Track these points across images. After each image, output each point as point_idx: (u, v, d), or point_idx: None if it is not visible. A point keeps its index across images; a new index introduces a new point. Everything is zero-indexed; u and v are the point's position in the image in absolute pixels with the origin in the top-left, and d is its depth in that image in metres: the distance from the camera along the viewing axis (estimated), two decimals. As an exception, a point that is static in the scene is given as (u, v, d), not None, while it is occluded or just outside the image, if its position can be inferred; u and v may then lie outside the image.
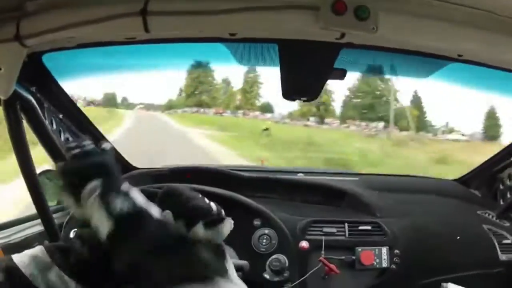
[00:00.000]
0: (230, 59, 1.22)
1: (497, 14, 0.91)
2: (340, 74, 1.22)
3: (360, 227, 1.64)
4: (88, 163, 0.87)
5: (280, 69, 1.20)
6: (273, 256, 1.55)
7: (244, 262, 1.47)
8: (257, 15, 0.87)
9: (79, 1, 0.92)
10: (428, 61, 1.20)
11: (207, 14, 0.88)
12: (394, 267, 1.58)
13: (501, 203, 1.87)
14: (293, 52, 1.11)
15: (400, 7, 0.89)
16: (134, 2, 0.88)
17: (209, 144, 11.71)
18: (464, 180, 2.03)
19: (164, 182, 1.69)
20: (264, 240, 1.59)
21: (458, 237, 1.68)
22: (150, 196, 0.88)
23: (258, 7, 0.86)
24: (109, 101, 18.54)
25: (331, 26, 0.85)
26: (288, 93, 1.32)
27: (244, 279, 1.42)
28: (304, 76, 1.24)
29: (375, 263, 1.58)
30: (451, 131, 15.28)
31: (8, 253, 1.27)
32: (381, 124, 15.08)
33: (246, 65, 1.31)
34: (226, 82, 20.42)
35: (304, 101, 1.38)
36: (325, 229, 1.62)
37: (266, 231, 1.60)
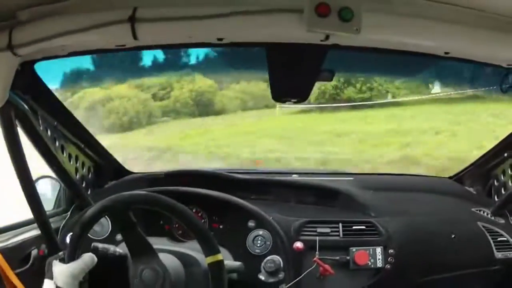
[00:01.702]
0: (219, 63, 1.24)
1: (481, 10, 0.93)
2: (328, 75, 1.24)
3: (354, 227, 1.64)
4: None
5: (269, 72, 1.22)
6: (268, 257, 1.56)
7: (239, 264, 1.48)
8: (243, 19, 0.89)
9: (70, 10, 0.95)
10: (415, 59, 1.22)
11: (194, 20, 0.90)
12: (388, 266, 1.58)
13: (496, 200, 1.87)
14: (281, 55, 1.13)
15: (384, 7, 0.91)
16: (123, 9, 0.91)
17: None
18: (459, 178, 2.04)
19: (159, 186, 1.71)
20: (259, 242, 1.59)
21: (453, 236, 1.68)
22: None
23: (244, 12, 0.88)
24: None
25: (314, 28, 0.87)
26: (278, 95, 1.34)
27: (239, 280, 1.45)
28: (293, 78, 1.25)
29: (369, 263, 1.58)
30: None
31: (5, 257, 1.30)
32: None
33: (235, 69, 1.33)
34: None
35: (295, 102, 1.40)
36: (320, 230, 1.63)
37: (261, 232, 1.60)
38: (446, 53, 1.10)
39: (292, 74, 1.23)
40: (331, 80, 1.26)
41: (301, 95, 1.35)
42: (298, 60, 1.15)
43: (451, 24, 0.93)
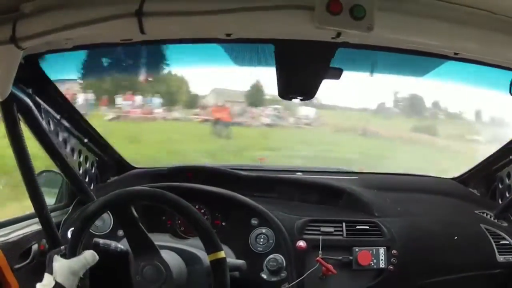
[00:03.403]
0: (226, 59, 1.23)
1: (492, 12, 0.92)
2: (337, 73, 1.23)
3: (358, 227, 1.64)
4: None
5: (276, 69, 1.21)
6: (271, 256, 1.55)
7: (241, 262, 1.47)
8: (253, 15, 0.88)
9: (75, 3, 0.93)
10: (424, 59, 1.20)
11: (202, 15, 0.88)
12: (391, 267, 1.58)
13: (500, 202, 1.86)
14: (289, 52, 1.12)
15: (396, 6, 0.90)
16: (129, 3, 0.89)
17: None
18: (463, 179, 2.02)
19: (163, 181, 1.70)
20: (262, 240, 1.59)
21: (456, 238, 1.67)
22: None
23: (253, 8, 0.87)
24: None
25: (326, 26, 0.86)
26: (285, 93, 1.32)
27: (241, 279, 1.44)
28: (300, 75, 1.24)
29: (372, 264, 1.57)
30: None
31: (6, 252, 1.29)
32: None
33: (242, 65, 1.32)
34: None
35: (301, 100, 1.39)
36: (323, 229, 1.62)
37: (264, 231, 1.60)
38: (455, 53, 1.09)
39: (300, 72, 1.22)
40: (339, 78, 1.24)
41: (308, 93, 1.34)
42: (307, 57, 1.14)
43: (461, 25, 0.93)
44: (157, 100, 9.94)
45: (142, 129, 8.59)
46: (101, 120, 9.14)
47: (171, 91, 10.28)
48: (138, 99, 9.78)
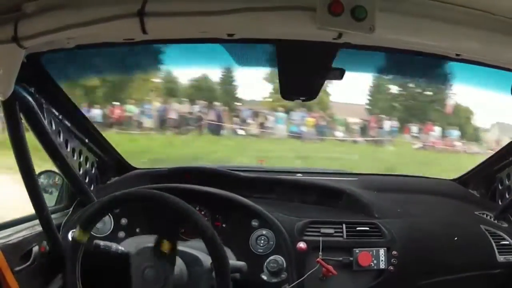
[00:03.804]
0: (228, 60, 1.23)
1: (493, 13, 0.92)
2: (338, 74, 1.23)
3: (358, 228, 1.64)
4: None
5: (278, 69, 1.21)
6: (271, 257, 1.55)
7: (241, 263, 1.47)
8: (255, 16, 0.88)
9: (77, 3, 0.93)
10: (426, 60, 1.21)
11: (204, 15, 0.88)
12: (391, 268, 1.58)
13: (500, 203, 1.87)
14: (291, 53, 1.12)
15: (397, 7, 0.90)
16: (132, 3, 0.89)
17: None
18: (463, 180, 2.03)
19: (163, 182, 1.70)
20: (262, 241, 1.58)
21: (456, 238, 1.68)
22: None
23: (255, 8, 0.87)
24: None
25: (327, 27, 0.86)
26: (287, 93, 1.33)
27: (242, 280, 1.44)
28: (302, 76, 1.24)
29: (372, 265, 1.57)
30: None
31: (6, 254, 1.28)
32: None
33: (244, 65, 1.32)
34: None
35: (303, 100, 1.39)
36: (323, 230, 1.62)
37: (264, 232, 1.59)
38: (457, 55, 1.09)
39: (302, 72, 1.22)
40: (341, 79, 1.24)
41: (310, 94, 1.34)
42: (309, 58, 1.14)
43: (463, 26, 0.92)
44: (455, 133, 10.36)
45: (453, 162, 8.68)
46: (409, 148, 9.95)
47: (460, 123, 10.67)
48: (437, 130, 10.40)
